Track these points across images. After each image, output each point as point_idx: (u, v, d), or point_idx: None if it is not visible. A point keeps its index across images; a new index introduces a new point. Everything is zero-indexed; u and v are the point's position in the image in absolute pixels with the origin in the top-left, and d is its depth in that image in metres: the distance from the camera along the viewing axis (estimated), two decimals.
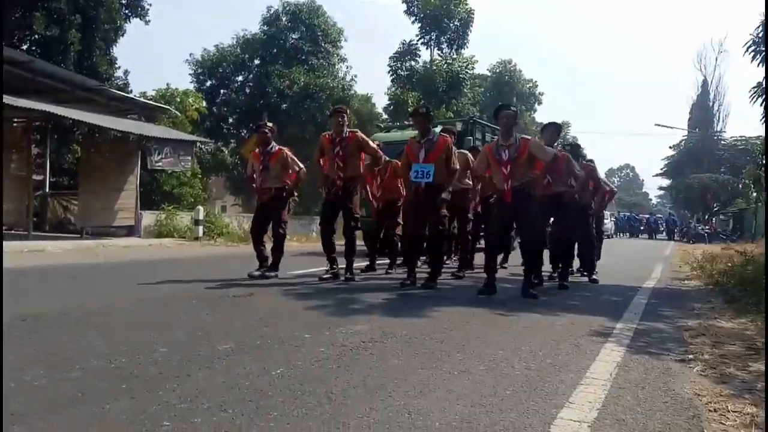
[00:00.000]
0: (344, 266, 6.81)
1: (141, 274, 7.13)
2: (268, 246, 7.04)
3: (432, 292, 6.04)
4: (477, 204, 8.06)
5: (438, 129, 7.77)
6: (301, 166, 7.13)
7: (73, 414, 2.21)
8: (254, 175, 7.09)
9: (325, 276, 6.74)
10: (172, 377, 2.71)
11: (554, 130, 7.38)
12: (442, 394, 2.61)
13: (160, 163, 14.78)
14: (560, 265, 7.34)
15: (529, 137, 6.26)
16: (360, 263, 7.68)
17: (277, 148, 7.03)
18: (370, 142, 7.00)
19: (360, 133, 6.94)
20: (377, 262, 8.30)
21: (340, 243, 6.96)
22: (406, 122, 15.20)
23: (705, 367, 3.32)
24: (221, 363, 2.99)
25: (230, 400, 2.43)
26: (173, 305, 4.80)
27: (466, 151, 8.01)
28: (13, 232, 12.88)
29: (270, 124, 7.30)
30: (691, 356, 3.57)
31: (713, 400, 2.69)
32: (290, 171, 7.01)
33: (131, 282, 6.17)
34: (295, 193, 7.36)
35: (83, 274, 7.16)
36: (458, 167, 6.58)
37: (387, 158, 7.63)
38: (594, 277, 7.89)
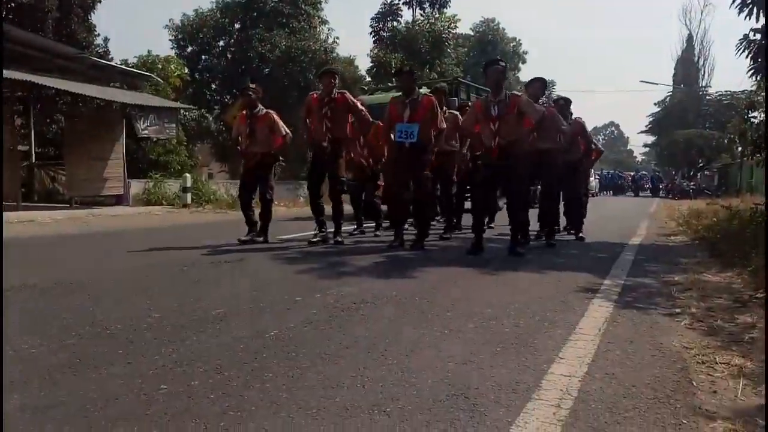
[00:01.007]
0: (333, 229, 6.80)
1: (131, 242, 7.12)
2: (257, 211, 7.02)
3: (420, 254, 6.08)
4: (464, 168, 7.90)
5: (424, 90, 7.68)
6: (287, 130, 6.99)
7: (72, 380, 2.24)
8: (239, 139, 6.97)
9: (314, 240, 6.73)
10: (167, 342, 2.74)
11: (540, 85, 7.23)
12: (433, 353, 2.66)
13: (146, 131, 14.59)
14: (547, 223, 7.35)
15: (519, 93, 6.18)
16: (348, 227, 7.71)
17: (264, 111, 6.88)
18: (359, 104, 6.84)
19: (349, 95, 6.79)
20: (364, 224, 8.32)
21: (328, 206, 6.94)
22: (390, 84, 15.06)
23: (692, 320, 3.39)
24: (215, 327, 3.02)
25: (225, 362, 2.46)
26: (165, 272, 4.81)
27: (456, 112, 7.88)
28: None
29: (254, 86, 7.12)
30: (678, 310, 3.63)
31: (701, 352, 2.76)
32: (276, 135, 6.87)
33: (122, 250, 6.16)
34: (281, 158, 7.28)
35: (74, 243, 7.13)
36: (445, 126, 6.47)
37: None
38: (581, 235, 7.90)
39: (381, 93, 13.40)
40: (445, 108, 7.30)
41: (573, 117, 8.11)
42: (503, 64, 6.13)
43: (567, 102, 8.04)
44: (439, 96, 7.04)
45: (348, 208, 7.85)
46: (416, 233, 6.53)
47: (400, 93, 6.52)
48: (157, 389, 2.15)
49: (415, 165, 6.21)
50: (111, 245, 7.00)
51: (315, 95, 6.73)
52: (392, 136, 6.35)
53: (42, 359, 2.48)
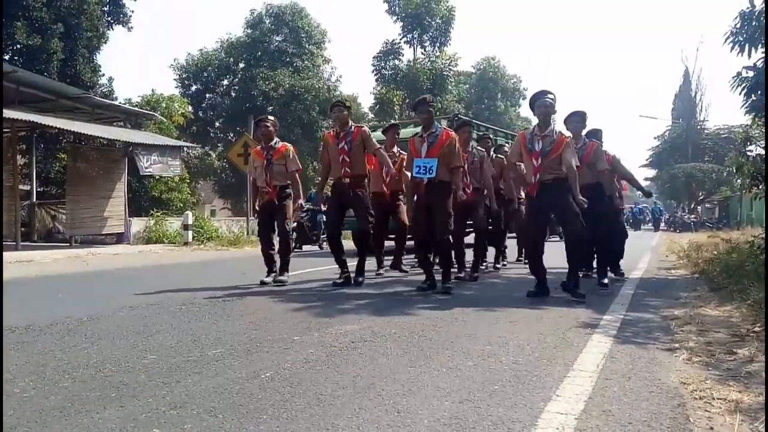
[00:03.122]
0: (356, 269, 6.56)
1: (130, 281, 7.12)
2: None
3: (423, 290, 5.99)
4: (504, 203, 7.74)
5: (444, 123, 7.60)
6: (300, 167, 6.77)
7: (63, 424, 2.22)
8: (255, 176, 6.72)
9: (339, 281, 6.44)
10: (161, 384, 2.72)
11: (579, 119, 6.79)
12: (430, 392, 2.64)
13: (150, 169, 14.73)
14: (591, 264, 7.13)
15: (569, 135, 5.84)
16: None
17: (281, 143, 6.68)
18: (373, 140, 6.48)
19: (366, 128, 6.54)
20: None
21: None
22: (393, 122, 15.06)
23: (691, 355, 3.36)
24: (211, 368, 3.00)
25: (220, 404, 2.44)
26: (162, 312, 4.80)
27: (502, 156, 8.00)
28: None
29: (272, 118, 6.89)
30: (677, 345, 3.61)
31: (698, 387, 2.73)
32: (287, 170, 6.59)
33: (121, 290, 6.16)
34: (300, 201, 6.88)
35: (72, 283, 7.13)
36: (459, 165, 6.01)
37: (400, 151, 7.60)
38: (617, 275, 7.36)
39: (411, 127, 12.76)
40: (493, 153, 7.41)
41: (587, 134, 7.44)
42: (552, 96, 5.58)
43: (599, 133, 7.44)
44: (465, 133, 7.01)
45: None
46: (442, 274, 6.11)
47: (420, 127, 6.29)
48: None
49: (437, 203, 5.86)
50: (110, 285, 7.00)
51: (332, 132, 6.56)
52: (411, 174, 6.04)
53: (34, 402, 2.46)
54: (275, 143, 6.64)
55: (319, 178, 6.96)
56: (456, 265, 7.06)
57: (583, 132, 6.91)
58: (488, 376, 2.90)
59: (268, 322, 4.35)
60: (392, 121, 8.64)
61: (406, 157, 6.68)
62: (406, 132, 10.44)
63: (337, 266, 6.62)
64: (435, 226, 5.89)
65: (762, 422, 2.27)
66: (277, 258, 6.66)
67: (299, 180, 6.78)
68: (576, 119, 6.80)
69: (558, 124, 6.48)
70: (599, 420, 2.30)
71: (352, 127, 6.43)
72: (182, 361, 3.14)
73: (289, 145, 6.74)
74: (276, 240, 6.71)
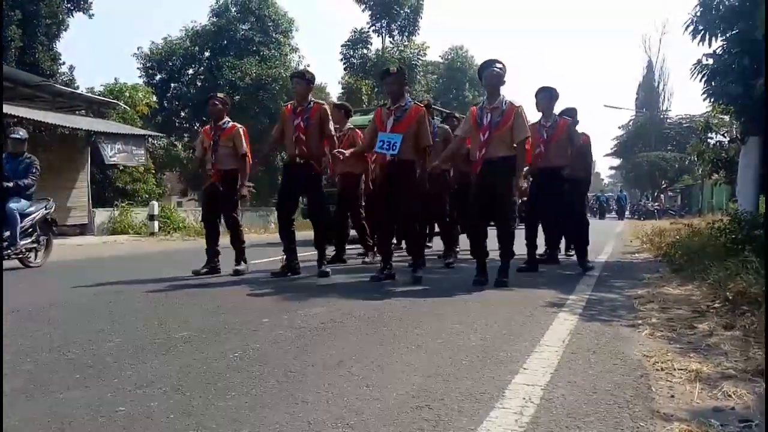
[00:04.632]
0: (316, 258, 6.08)
1: (94, 270, 6.97)
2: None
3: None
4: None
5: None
6: (246, 150, 6.22)
7: (25, 405, 2.17)
8: (203, 155, 6.33)
9: (277, 270, 6.00)
10: (127, 365, 2.68)
11: (547, 95, 6.51)
12: (399, 367, 2.65)
13: (115, 158, 14.41)
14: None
15: (520, 104, 5.25)
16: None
17: (230, 123, 6.27)
18: (330, 122, 5.94)
19: (326, 107, 6.02)
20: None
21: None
22: (358, 110, 14.89)
23: (653, 330, 3.44)
24: (178, 349, 2.97)
25: (187, 383, 2.42)
26: (128, 298, 4.72)
27: (447, 126, 7.31)
28: None
29: (222, 95, 6.51)
30: (640, 321, 3.69)
31: (660, 359, 2.80)
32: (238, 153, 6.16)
33: (84, 279, 6.02)
34: (250, 183, 6.51)
35: (34, 273, 6.96)
36: (429, 144, 5.54)
37: (350, 126, 7.28)
38: (589, 265, 6.72)
39: (359, 115, 12.61)
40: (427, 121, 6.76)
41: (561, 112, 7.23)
42: (501, 66, 5.27)
43: (573, 111, 7.27)
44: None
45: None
46: (411, 261, 5.84)
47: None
48: (114, 411, 2.10)
49: (399, 184, 5.40)
50: (73, 274, 6.85)
51: (289, 105, 6.01)
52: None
53: None
54: (224, 123, 6.25)
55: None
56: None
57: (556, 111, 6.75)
58: (456, 352, 2.93)
59: (236, 307, 4.31)
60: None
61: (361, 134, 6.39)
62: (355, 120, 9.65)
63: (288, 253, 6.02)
64: (396, 209, 5.52)
65: (720, 390, 2.34)
66: (229, 250, 6.28)
67: (248, 164, 6.28)
68: (543, 95, 6.56)
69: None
70: (564, 390, 2.34)
71: (312, 103, 5.88)
72: (148, 343, 3.10)
73: (239, 126, 6.33)
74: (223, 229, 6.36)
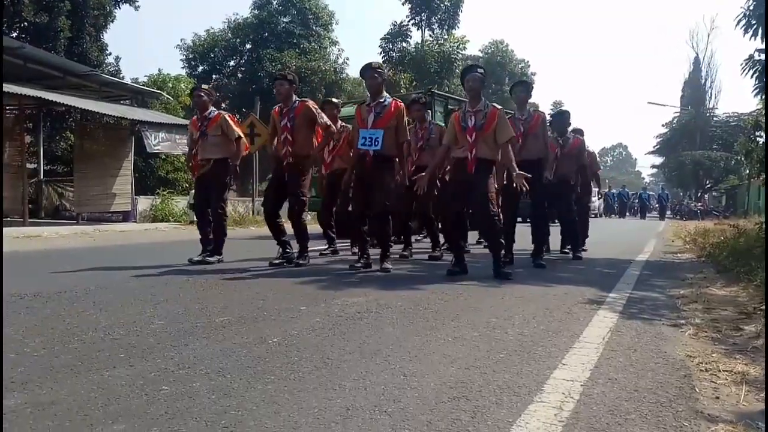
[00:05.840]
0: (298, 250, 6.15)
1: (137, 255, 7.15)
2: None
3: (430, 268, 6.01)
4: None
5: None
6: (240, 134, 6.38)
7: (74, 381, 2.24)
8: (193, 147, 6.45)
9: (276, 261, 6.05)
10: (170, 347, 2.74)
11: (523, 88, 6.74)
12: (436, 358, 2.65)
13: (158, 147, 14.66)
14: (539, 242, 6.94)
15: (500, 107, 5.53)
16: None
17: (216, 112, 6.35)
18: (322, 114, 6.10)
19: (311, 103, 6.09)
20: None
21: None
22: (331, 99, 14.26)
23: (697, 330, 3.37)
24: (218, 333, 3.02)
25: (228, 366, 2.46)
26: (170, 283, 4.82)
27: (443, 125, 7.35)
28: (9, 219, 12.85)
29: (206, 87, 6.61)
30: (683, 321, 3.62)
31: (705, 360, 2.74)
32: (229, 138, 6.27)
33: (127, 263, 6.18)
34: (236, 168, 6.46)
35: (80, 256, 7.17)
36: (407, 138, 5.87)
37: (343, 125, 7.20)
38: (578, 254, 7.48)
39: (350, 106, 12.31)
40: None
41: (572, 131, 7.75)
42: (481, 71, 5.63)
43: (565, 115, 7.70)
44: (416, 111, 6.87)
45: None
46: (380, 255, 5.86)
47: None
48: (158, 390, 2.15)
49: (378, 179, 5.60)
50: (118, 259, 7.02)
51: (277, 108, 6.14)
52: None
53: (44, 361, 2.49)
54: (210, 113, 6.33)
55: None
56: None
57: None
58: (494, 345, 2.91)
59: (275, 294, 4.36)
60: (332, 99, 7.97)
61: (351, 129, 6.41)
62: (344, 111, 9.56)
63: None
64: (371, 203, 5.69)
65: None
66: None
67: (241, 148, 6.39)
68: (520, 89, 6.82)
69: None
70: (605, 387, 2.31)
71: (296, 102, 5.99)
72: (190, 326, 3.16)
73: (224, 113, 6.42)
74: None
